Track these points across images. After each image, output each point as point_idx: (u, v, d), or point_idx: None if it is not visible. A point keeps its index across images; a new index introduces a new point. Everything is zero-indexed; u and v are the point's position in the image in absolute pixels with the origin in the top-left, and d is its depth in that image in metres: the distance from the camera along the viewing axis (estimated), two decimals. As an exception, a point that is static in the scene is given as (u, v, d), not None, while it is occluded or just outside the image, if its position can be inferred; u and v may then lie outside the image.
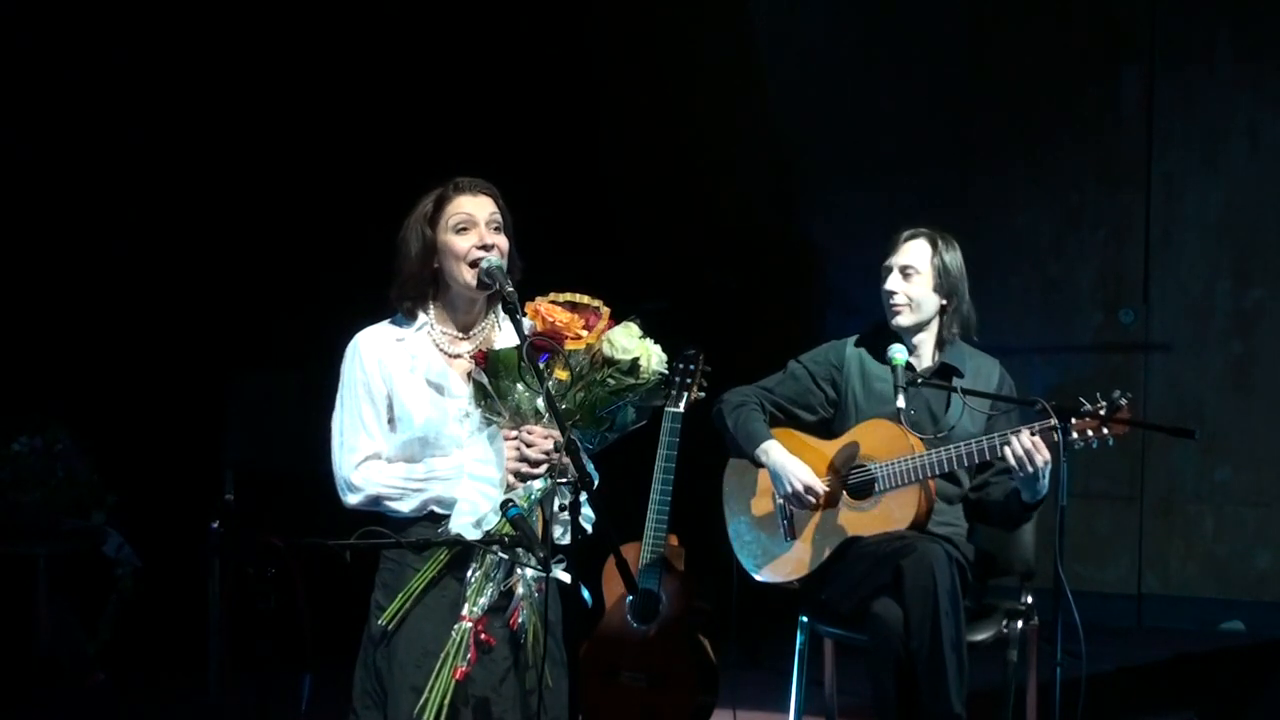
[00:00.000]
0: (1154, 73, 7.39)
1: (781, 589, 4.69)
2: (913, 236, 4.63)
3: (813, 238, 7.90)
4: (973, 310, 4.65)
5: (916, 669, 4.30)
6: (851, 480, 4.58)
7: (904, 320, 4.59)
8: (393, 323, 3.64)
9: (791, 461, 4.58)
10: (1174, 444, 7.13)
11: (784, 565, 4.65)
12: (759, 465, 4.66)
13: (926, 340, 4.64)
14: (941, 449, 4.45)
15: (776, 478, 4.59)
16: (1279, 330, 7.23)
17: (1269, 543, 7.23)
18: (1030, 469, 4.31)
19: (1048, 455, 4.31)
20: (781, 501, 4.63)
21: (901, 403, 4.48)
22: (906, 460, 4.47)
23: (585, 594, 3.40)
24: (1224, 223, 7.31)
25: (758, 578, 4.71)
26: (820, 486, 4.55)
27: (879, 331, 4.68)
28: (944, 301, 4.61)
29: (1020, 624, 4.60)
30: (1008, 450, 4.31)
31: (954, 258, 4.61)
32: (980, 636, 4.54)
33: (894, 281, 4.59)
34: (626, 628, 4.97)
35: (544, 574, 3.39)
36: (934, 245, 4.60)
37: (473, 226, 3.57)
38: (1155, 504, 7.41)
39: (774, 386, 4.75)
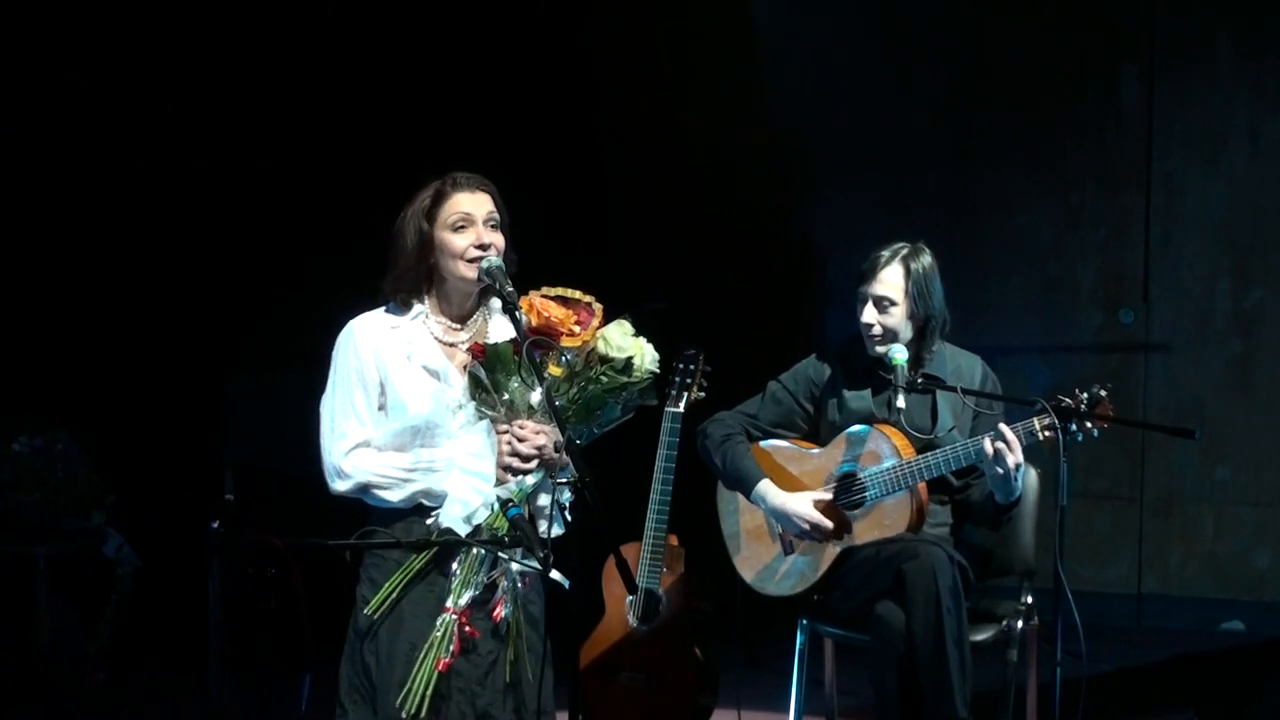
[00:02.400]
0: (1154, 73, 7.39)
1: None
2: (887, 261, 4.54)
3: (813, 238, 7.90)
4: (947, 313, 4.62)
5: (920, 672, 4.30)
6: (841, 490, 4.58)
7: (882, 349, 4.58)
8: (387, 310, 3.64)
9: (792, 501, 4.57)
10: (1174, 444, 7.13)
11: (785, 579, 4.66)
12: (754, 504, 4.66)
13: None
14: (931, 454, 4.45)
15: (785, 520, 4.59)
16: (1279, 330, 7.23)
17: (1269, 543, 7.22)
18: (999, 470, 4.31)
19: (1019, 458, 4.30)
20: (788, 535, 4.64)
21: (902, 403, 4.48)
22: (895, 467, 4.47)
23: (563, 579, 3.38)
24: (1224, 223, 7.30)
25: (759, 591, 4.71)
26: (826, 522, 4.55)
27: (854, 345, 4.67)
28: (921, 325, 4.59)
29: (1020, 624, 4.60)
30: (986, 445, 4.31)
31: (927, 274, 4.54)
32: (980, 636, 4.53)
33: (869, 314, 4.55)
34: (626, 627, 4.97)
35: (530, 569, 3.40)
36: (907, 269, 4.52)
37: (470, 225, 3.57)
38: (1155, 504, 7.40)
39: (757, 412, 4.74)
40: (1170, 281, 7.38)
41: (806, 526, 4.53)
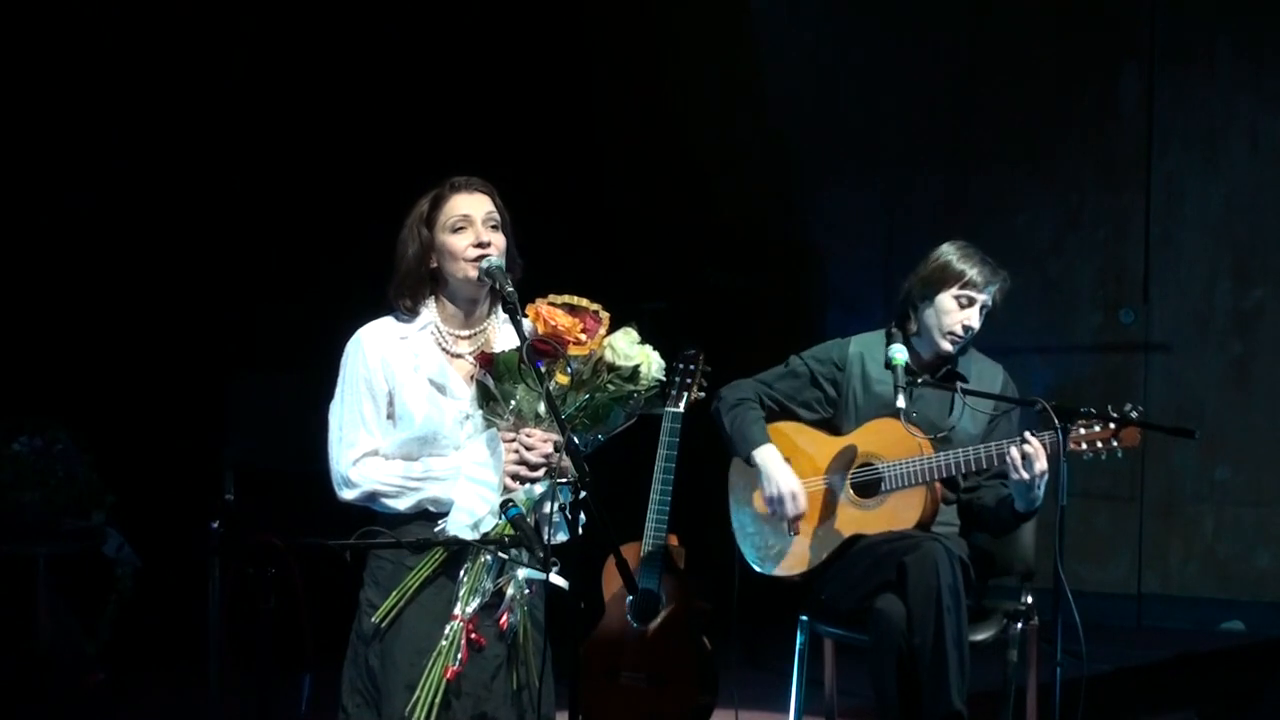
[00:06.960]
0: (1154, 73, 7.39)
1: (783, 586, 4.69)
2: (994, 275, 4.55)
3: (813, 238, 7.90)
4: None
5: (918, 665, 4.30)
6: (856, 478, 4.58)
7: (955, 350, 4.58)
8: (394, 319, 3.64)
9: (780, 469, 4.57)
10: (1174, 444, 7.13)
11: (787, 560, 4.66)
12: (751, 465, 4.66)
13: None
14: (952, 452, 4.45)
15: (766, 482, 4.59)
16: (1279, 330, 7.23)
17: (1269, 543, 7.23)
18: (1025, 475, 4.31)
19: (1044, 465, 4.30)
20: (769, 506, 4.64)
21: (902, 402, 4.48)
22: (915, 461, 4.47)
23: (563, 583, 3.39)
24: (1224, 223, 7.31)
25: (759, 570, 4.71)
26: (803, 498, 4.54)
27: (874, 344, 4.67)
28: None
29: (1020, 624, 4.60)
30: (1014, 450, 4.31)
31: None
32: (980, 636, 4.54)
33: (974, 318, 4.55)
34: (626, 627, 4.97)
35: (539, 575, 3.40)
36: (1002, 289, 4.57)
37: (470, 225, 3.58)
38: (1155, 504, 7.41)
39: (773, 382, 4.73)
40: (1170, 281, 7.39)
41: (785, 490, 4.51)
